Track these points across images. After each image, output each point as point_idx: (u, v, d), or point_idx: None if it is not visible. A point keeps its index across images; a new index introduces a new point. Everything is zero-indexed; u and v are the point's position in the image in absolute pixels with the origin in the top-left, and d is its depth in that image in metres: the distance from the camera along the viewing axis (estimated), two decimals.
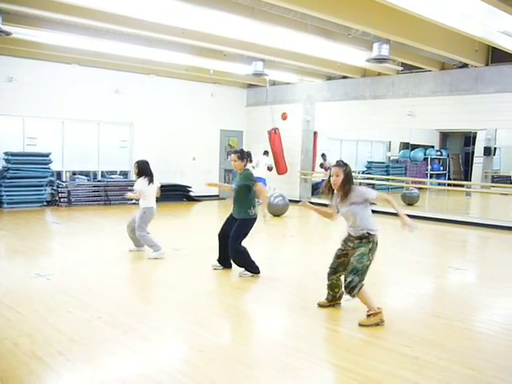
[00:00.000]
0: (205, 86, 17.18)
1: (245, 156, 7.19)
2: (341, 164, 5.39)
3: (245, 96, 18.62)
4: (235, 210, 7.17)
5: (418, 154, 18.35)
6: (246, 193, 7.05)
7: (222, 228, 7.30)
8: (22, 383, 3.86)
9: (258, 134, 17.59)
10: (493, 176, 16.31)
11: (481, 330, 5.35)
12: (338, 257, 5.57)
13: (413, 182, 16.72)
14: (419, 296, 6.65)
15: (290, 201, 14.01)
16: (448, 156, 18.88)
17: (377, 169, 18.52)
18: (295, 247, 10.13)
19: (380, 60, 10.83)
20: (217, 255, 7.39)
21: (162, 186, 15.96)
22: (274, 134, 16.49)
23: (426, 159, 18.40)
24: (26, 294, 6.04)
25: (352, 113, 15.46)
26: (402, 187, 16.61)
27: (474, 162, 16.12)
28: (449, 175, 18.43)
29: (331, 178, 5.35)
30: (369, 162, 18.63)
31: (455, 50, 11.30)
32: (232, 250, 7.04)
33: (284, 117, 17.20)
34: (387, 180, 17.73)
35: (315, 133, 16.72)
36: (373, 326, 5.15)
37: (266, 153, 16.11)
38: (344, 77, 15.42)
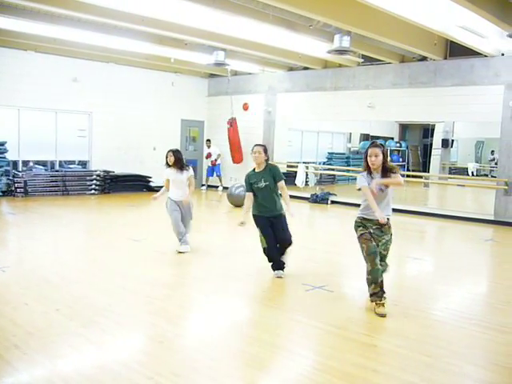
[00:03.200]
0: (165, 75, 17.00)
1: (267, 151, 6.75)
2: (378, 145, 5.37)
3: (206, 86, 18.50)
4: (272, 207, 6.66)
5: None
6: (276, 188, 6.68)
7: (269, 237, 6.65)
8: None
9: (219, 125, 17.52)
10: (450, 168, 16.67)
11: (437, 317, 5.46)
12: (370, 240, 5.45)
13: None
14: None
15: None
16: (407, 148, 19.18)
17: (337, 160, 18.71)
18: (255, 238, 10.12)
19: (341, 52, 10.91)
20: (271, 263, 6.85)
21: (122, 177, 15.86)
22: (229, 124, 16.66)
23: None
24: None
25: (313, 104, 15.53)
26: None
27: (432, 153, 16.44)
28: (408, 166, 18.73)
29: (369, 159, 5.27)
30: (329, 153, 18.79)
31: (415, 43, 11.47)
32: (290, 243, 6.74)
33: (245, 107, 17.17)
34: (348, 171, 17.92)
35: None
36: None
37: (208, 141, 17.31)
38: (305, 68, 15.47)
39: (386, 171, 5.33)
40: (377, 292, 5.38)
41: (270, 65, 15.59)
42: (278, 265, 6.75)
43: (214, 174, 17.54)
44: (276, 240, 6.66)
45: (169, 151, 8.07)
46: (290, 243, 6.75)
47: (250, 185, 6.65)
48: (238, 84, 17.42)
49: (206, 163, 17.88)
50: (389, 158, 5.45)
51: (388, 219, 5.42)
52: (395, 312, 5.54)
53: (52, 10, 10.05)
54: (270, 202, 6.63)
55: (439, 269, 8.11)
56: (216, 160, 17.32)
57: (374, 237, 5.43)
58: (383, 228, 5.42)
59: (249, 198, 6.67)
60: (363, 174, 5.41)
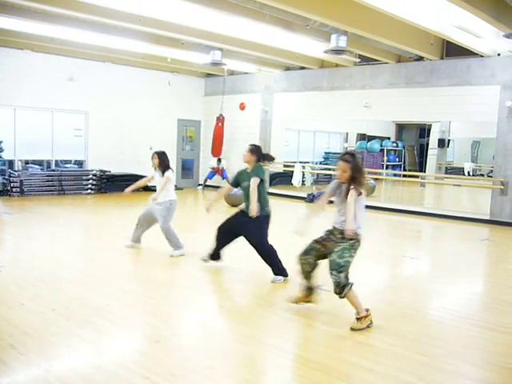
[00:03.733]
0: (162, 75, 16.97)
1: (256, 151, 6.72)
2: (348, 159, 4.96)
3: (203, 85, 18.48)
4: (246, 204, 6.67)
5: (375, 146, 18.58)
6: (260, 188, 6.64)
7: (228, 222, 6.84)
8: None
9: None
10: (446, 167, 16.67)
11: (433, 317, 5.48)
12: (316, 241, 5.33)
13: (369, 173, 16.89)
14: (374, 285, 6.75)
15: None
16: (403, 147, 19.16)
17: (334, 159, 18.67)
18: None
19: (338, 51, 10.91)
20: (209, 248, 6.99)
21: (119, 176, 15.81)
22: (217, 120, 16.85)
23: (382, 150, 18.64)
24: None
25: (310, 104, 15.53)
26: None
27: (429, 153, 16.44)
28: (404, 166, 18.72)
29: (336, 172, 5.02)
30: (326, 153, 18.79)
31: (411, 43, 11.48)
32: (264, 250, 6.67)
33: (242, 107, 17.16)
34: None
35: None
36: (365, 330, 4.88)
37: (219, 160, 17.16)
38: (302, 67, 15.47)
39: (352, 188, 4.92)
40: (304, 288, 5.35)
41: (267, 64, 15.58)
42: (214, 254, 6.93)
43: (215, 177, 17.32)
44: (231, 233, 6.77)
45: (154, 153, 8.05)
46: (257, 244, 6.65)
47: (237, 180, 6.85)
48: (234, 84, 17.41)
49: (206, 167, 17.78)
50: (363, 175, 5.07)
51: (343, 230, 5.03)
52: (392, 311, 5.55)
53: (49, 9, 10.01)
54: (248, 202, 6.63)
55: (435, 268, 8.13)
56: (222, 168, 17.17)
57: (328, 244, 5.21)
58: (345, 237, 5.02)
59: (226, 189, 7.33)
60: (335, 181, 5.22)
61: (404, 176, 17.24)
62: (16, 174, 13.77)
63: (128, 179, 15.75)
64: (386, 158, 18.27)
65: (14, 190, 13.63)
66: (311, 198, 15.00)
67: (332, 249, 5.07)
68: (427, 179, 16.04)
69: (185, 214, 12.66)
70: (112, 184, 15.41)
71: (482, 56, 11.97)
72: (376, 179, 16.48)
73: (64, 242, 8.73)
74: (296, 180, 15.96)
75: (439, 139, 16.07)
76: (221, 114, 16.98)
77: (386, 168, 17.99)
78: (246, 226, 6.59)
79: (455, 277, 7.36)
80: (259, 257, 6.66)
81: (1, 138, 13.43)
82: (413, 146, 19.19)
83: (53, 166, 14.98)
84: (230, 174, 16.73)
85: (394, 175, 17.54)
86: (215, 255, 6.97)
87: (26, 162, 14.82)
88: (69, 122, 15.25)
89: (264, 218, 6.65)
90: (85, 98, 15.17)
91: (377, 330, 4.91)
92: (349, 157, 5.00)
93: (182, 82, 17.61)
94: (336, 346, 4.50)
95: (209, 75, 18.06)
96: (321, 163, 18.31)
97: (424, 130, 16.29)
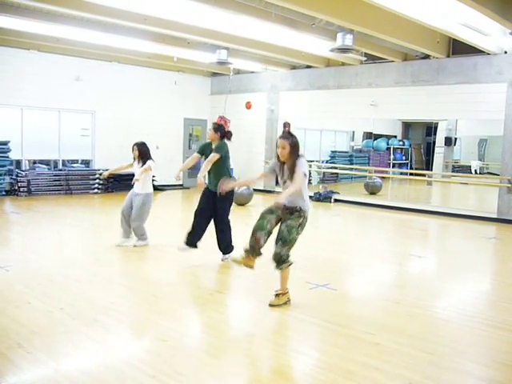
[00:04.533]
0: (168, 74, 17.00)
1: (219, 130, 7.32)
2: (287, 136, 5.34)
3: (209, 84, 18.50)
4: (214, 182, 6.97)
5: (381, 144, 18.58)
6: (222, 163, 7.20)
7: (200, 207, 7.27)
8: None
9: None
10: (453, 166, 16.66)
11: (440, 315, 5.46)
12: (270, 211, 5.39)
13: (376, 172, 16.93)
14: (381, 283, 6.75)
15: (255, 190, 14.05)
16: (410, 146, 19.16)
17: (340, 158, 18.69)
18: None
19: (344, 50, 10.90)
20: (184, 234, 7.26)
21: (125, 175, 15.81)
22: (219, 120, 16.45)
23: (388, 149, 18.65)
24: None
25: (316, 102, 15.52)
26: (365, 176, 16.79)
27: (436, 151, 16.42)
28: (411, 165, 18.72)
29: (278, 150, 5.30)
30: (332, 152, 18.78)
31: (417, 41, 11.45)
32: (224, 225, 7.19)
33: (248, 106, 17.17)
34: (350, 169, 17.92)
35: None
36: (282, 306, 5.33)
37: None
38: (308, 66, 15.46)
39: (293, 165, 5.25)
40: (249, 249, 5.41)
41: (273, 63, 15.58)
42: (191, 237, 7.22)
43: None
44: (207, 215, 7.21)
45: (134, 144, 8.26)
46: (222, 219, 7.15)
47: (202, 150, 7.50)
48: (240, 82, 17.41)
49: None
50: (300, 151, 5.33)
51: (300, 209, 5.28)
52: (398, 310, 5.54)
53: (55, 10, 10.06)
54: (212, 177, 7.23)
55: (442, 267, 8.11)
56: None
57: (276, 216, 5.37)
58: (293, 214, 5.29)
59: (193, 159, 7.73)
60: (273, 160, 5.52)
61: (411, 174, 17.23)
62: (23, 173, 13.83)
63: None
64: (392, 156, 18.26)
65: (21, 189, 13.69)
66: (318, 197, 15.00)
67: (284, 220, 5.34)
68: (434, 177, 16.01)
69: (190, 213, 12.69)
70: (119, 183, 15.43)
71: (488, 54, 11.93)
72: (382, 178, 16.47)
73: (71, 241, 8.76)
74: None
75: (446, 137, 16.05)
76: (224, 117, 16.53)
77: (393, 166, 17.99)
78: (217, 203, 7.11)
79: (462, 275, 7.34)
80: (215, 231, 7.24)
81: (8, 137, 13.48)
82: (419, 145, 19.17)
83: (60, 166, 15.04)
84: (236, 174, 16.78)
85: (401, 173, 17.52)
86: (193, 242, 7.24)
87: (34, 162, 14.88)
88: (76, 121, 15.31)
89: (230, 195, 7.02)
90: (91, 98, 15.23)
91: (383, 328, 4.91)
92: (287, 134, 5.39)
93: (188, 81, 17.63)
94: (342, 345, 4.49)
95: (215, 74, 18.07)
96: (327, 162, 18.29)
97: (431, 129, 16.28)
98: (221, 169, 7.17)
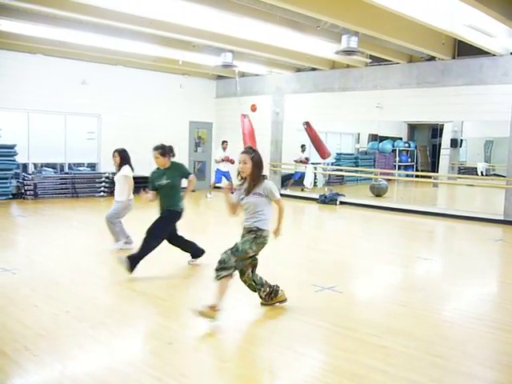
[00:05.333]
0: (174, 77, 17.03)
1: (167, 151, 6.95)
2: (248, 151, 5.13)
3: (214, 87, 18.53)
4: (166, 204, 6.88)
5: (387, 146, 18.54)
6: (178, 186, 6.99)
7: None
8: None
9: (228, 126, 17.55)
10: (459, 167, 16.61)
11: (447, 318, 5.44)
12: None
13: (381, 174, 16.89)
14: (387, 286, 6.74)
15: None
16: (416, 148, 19.12)
17: (346, 160, 18.67)
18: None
19: (349, 52, 10.88)
20: (185, 253, 7.35)
21: (133, 178, 15.80)
22: (243, 118, 16.33)
23: (394, 151, 18.61)
24: None
25: (321, 105, 15.51)
26: (371, 179, 16.76)
27: (441, 153, 16.38)
28: (416, 167, 18.68)
29: (239, 166, 5.11)
30: (338, 154, 18.76)
31: (422, 43, 11.43)
32: (150, 242, 6.70)
33: (253, 108, 17.17)
34: (356, 171, 17.90)
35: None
36: (206, 319, 4.83)
37: (223, 143, 15.64)
38: (313, 69, 15.46)
39: (255, 182, 5.06)
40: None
41: (278, 66, 15.59)
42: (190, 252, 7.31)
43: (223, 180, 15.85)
44: (172, 235, 7.10)
45: (114, 151, 8.20)
46: (151, 233, 6.75)
47: (155, 183, 6.95)
48: (245, 85, 17.42)
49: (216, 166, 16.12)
50: (262, 168, 5.11)
51: (257, 228, 5.05)
52: (405, 312, 5.52)
53: (60, 14, 10.11)
54: (166, 199, 6.91)
55: (448, 269, 8.08)
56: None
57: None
58: (250, 233, 5.08)
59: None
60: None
61: (416, 176, 17.19)
62: (30, 177, 13.89)
63: (140, 181, 15.80)
64: (398, 158, 18.21)
65: (27, 193, 13.75)
66: (323, 200, 14.99)
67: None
68: (440, 179, 15.96)
69: (196, 217, 12.71)
70: None
71: (494, 55, 11.89)
72: (388, 180, 16.44)
73: (77, 245, 8.78)
74: (308, 181, 15.95)
75: (452, 139, 16.01)
76: (245, 114, 16.38)
77: (398, 168, 17.95)
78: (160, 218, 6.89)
79: (468, 278, 7.31)
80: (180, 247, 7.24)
81: (14, 141, 13.53)
82: (425, 147, 19.13)
83: (66, 169, 15.08)
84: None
85: (407, 176, 17.49)
86: (195, 253, 7.30)
87: (40, 166, 14.93)
88: (81, 125, 15.35)
89: (176, 214, 6.92)
90: (97, 101, 15.27)
91: (389, 331, 4.89)
92: (249, 149, 5.21)
93: (193, 85, 17.66)
94: (348, 348, 4.48)
95: (220, 77, 18.09)
96: (332, 164, 18.28)
97: (436, 130, 16.23)
98: (175, 191, 6.95)
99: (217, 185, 15.43)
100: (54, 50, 13.54)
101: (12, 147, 13.42)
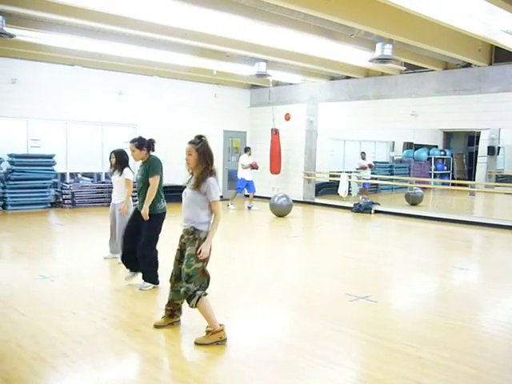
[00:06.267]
0: (208, 87, 17.20)
1: (144, 144, 6.42)
2: (195, 141, 4.81)
3: (248, 97, 18.64)
4: (142, 203, 6.37)
5: (422, 154, 18.30)
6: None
7: (129, 225, 6.55)
8: None
9: (262, 135, 17.62)
10: (497, 175, 16.25)
11: (485, 329, 5.34)
12: (177, 261, 4.91)
13: (417, 182, 16.68)
14: (423, 296, 6.64)
15: (294, 201, 14.04)
16: (452, 156, 18.81)
17: (380, 169, 18.51)
18: (298, 248, 10.12)
19: (383, 60, 10.82)
20: (121, 258, 6.65)
21: (166, 187, 15.95)
22: (274, 135, 16.50)
23: (429, 159, 18.35)
24: (30, 296, 6.06)
25: (355, 113, 15.45)
26: (406, 187, 16.58)
27: (478, 161, 16.07)
28: (453, 175, 18.36)
29: (185, 156, 4.77)
30: (373, 162, 18.60)
31: (458, 49, 11.28)
32: (145, 253, 6.30)
33: (287, 117, 17.20)
34: (391, 180, 17.72)
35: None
36: (212, 345, 4.57)
37: (247, 149, 15.56)
38: (347, 77, 15.42)
39: (200, 177, 4.68)
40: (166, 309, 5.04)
41: (312, 74, 15.59)
42: (128, 262, 6.44)
43: (245, 191, 15.83)
44: (134, 236, 6.32)
45: (111, 152, 8.15)
46: (140, 253, 6.25)
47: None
48: (279, 94, 17.48)
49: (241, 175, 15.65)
50: (210, 161, 4.74)
51: (194, 229, 4.64)
52: (441, 323, 5.44)
53: (97, 26, 10.33)
54: (141, 197, 6.44)
55: (486, 279, 7.93)
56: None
57: (182, 249, 4.82)
58: (190, 237, 4.68)
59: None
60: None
61: (452, 185, 16.90)
62: (68, 186, 14.18)
63: (175, 191, 15.95)
64: (433, 166, 17.96)
65: (65, 201, 14.05)
66: (358, 208, 14.89)
67: (184, 249, 4.75)
68: (477, 188, 15.67)
69: (229, 222, 12.76)
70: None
71: None
72: (423, 188, 16.22)
73: None
74: (342, 190, 15.87)
75: (489, 147, 15.69)
76: (275, 129, 16.42)
77: (434, 177, 17.70)
78: (142, 226, 6.32)
79: (507, 288, 7.16)
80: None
81: (53, 151, 13.85)
82: (461, 154, 18.80)
83: (103, 179, 15.34)
84: (275, 185, 16.79)
85: (442, 184, 17.21)
86: (130, 263, 6.49)
87: (77, 175, 15.22)
88: (118, 134, 15.59)
89: (157, 217, 6.38)
90: (133, 112, 15.52)
91: (426, 341, 4.83)
92: (195, 139, 4.86)
93: (227, 94, 17.80)
94: (384, 358, 4.44)
95: (254, 86, 18.19)
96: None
97: (473, 138, 15.94)
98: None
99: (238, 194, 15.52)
100: (92, 62, 13.83)
101: (51, 157, 13.74)
